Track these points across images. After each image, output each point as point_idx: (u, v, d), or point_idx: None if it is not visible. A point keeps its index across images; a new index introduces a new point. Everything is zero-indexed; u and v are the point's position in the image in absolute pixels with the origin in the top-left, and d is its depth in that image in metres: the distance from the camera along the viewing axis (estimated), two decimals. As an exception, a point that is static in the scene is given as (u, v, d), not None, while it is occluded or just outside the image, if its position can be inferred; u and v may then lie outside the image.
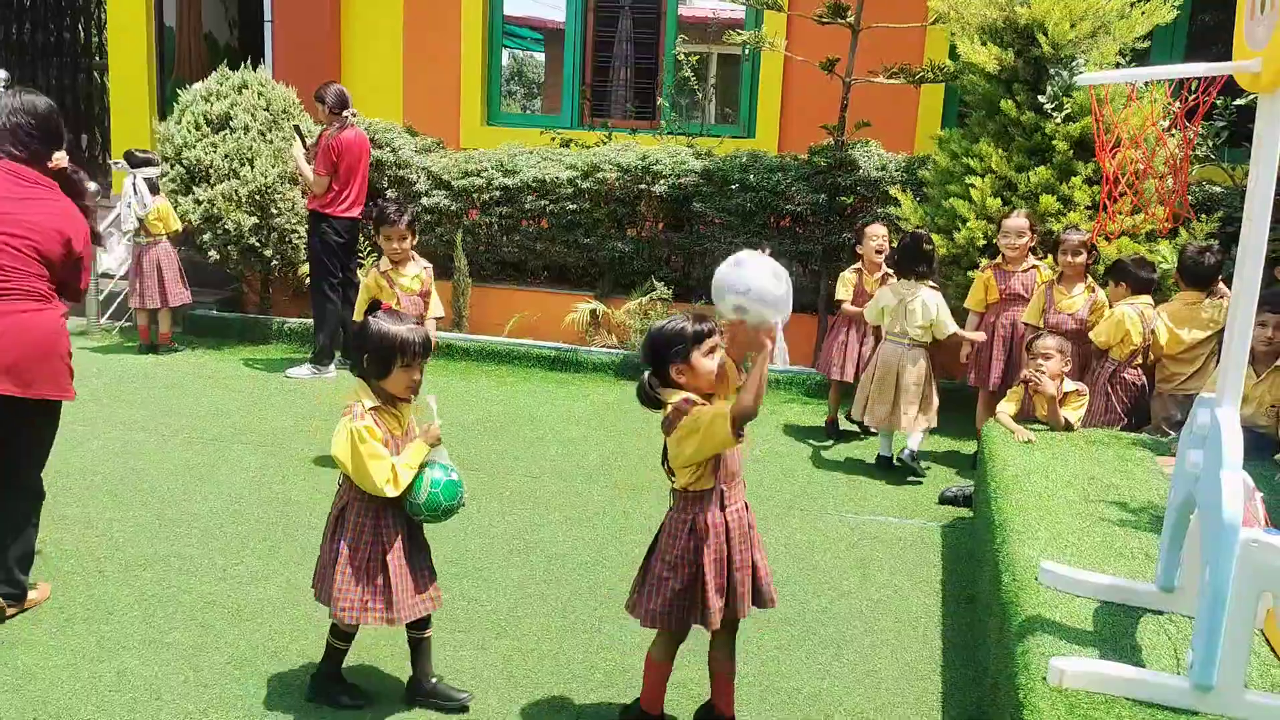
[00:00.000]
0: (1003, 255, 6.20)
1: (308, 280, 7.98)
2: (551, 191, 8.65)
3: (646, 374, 3.13)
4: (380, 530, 3.25)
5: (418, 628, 3.40)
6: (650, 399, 3.12)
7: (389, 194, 9.09)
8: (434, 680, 3.45)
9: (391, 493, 3.17)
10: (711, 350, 3.09)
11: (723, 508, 3.12)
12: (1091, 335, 5.69)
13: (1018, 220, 6.14)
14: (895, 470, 5.97)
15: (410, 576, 3.29)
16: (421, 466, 3.25)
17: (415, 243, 5.64)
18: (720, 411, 2.95)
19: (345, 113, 7.46)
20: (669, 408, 3.06)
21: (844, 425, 6.80)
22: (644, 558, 3.25)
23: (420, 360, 3.25)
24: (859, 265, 6.63)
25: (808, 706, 3.52)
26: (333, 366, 7.70)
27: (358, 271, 7.77)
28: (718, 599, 3.09)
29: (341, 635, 3.40)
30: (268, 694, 3.45)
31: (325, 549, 3.34)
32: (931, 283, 5.96)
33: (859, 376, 6.39)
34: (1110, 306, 5.74)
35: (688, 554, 3.09)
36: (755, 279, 2.92)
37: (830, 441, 6.62)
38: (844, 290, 6.62)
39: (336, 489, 3.35)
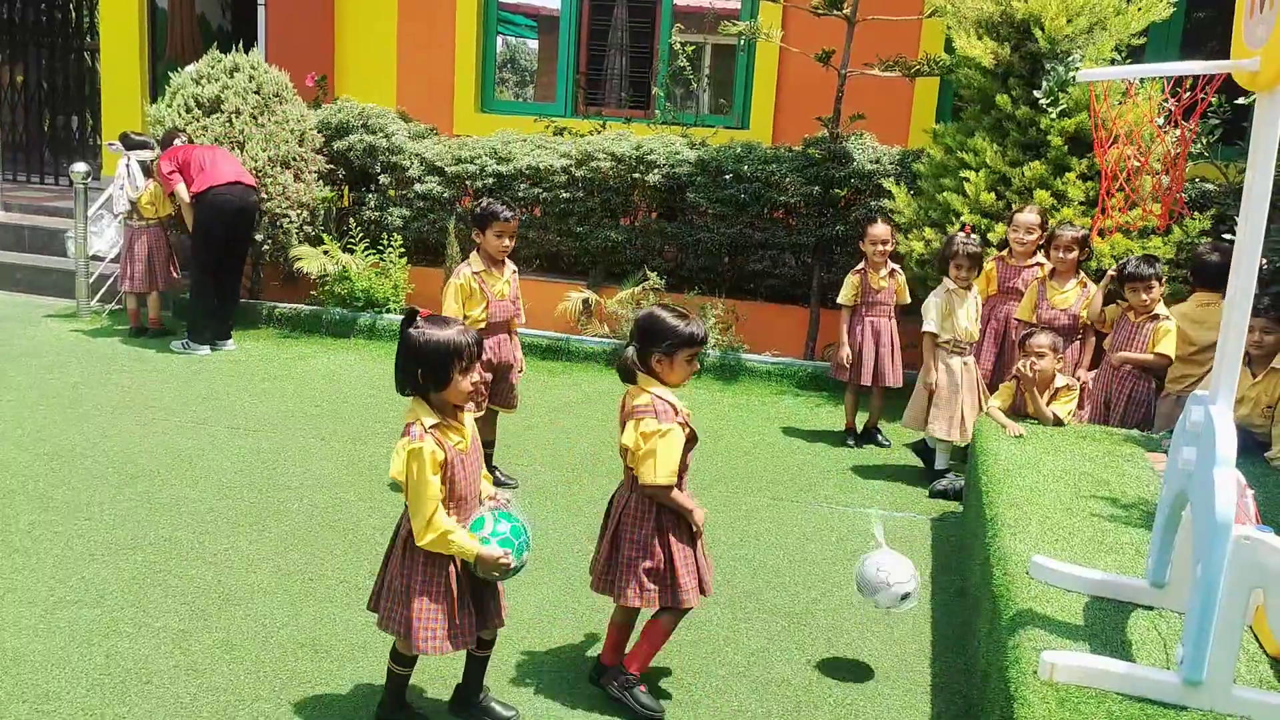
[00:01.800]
0: (1010, 249, 6.19)
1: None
2: (545, 179, 8.63)
3: (631, 350, 3.28)
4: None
5: (481, 645, 3.23)
6: (629, 375, 3.29)
7: (381, 179, 9.07)
8: (484, 695, 3.32)
9: (421, 541, 2.94)
10: (693, 358, 3.29)
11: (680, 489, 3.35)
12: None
13: (1029, 215, 6.10)
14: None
15: (481, 593, 3.14)
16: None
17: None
18: (670, 469, 3.22)
19: (175, 142, 7.91)
20: (639, 396, 3.26)
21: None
22: (601, 539, 3.42)
23: (478, 360, 3.04)
24: (861, 265, 6.40)
25: (799, 697, 3.53)
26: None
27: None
28: (690, 578, 3.33)
29: (406, 661, 3.20)
30: (258, 678, 3.45)
31: (395, 573, 3.09)
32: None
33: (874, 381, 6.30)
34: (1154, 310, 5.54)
35: (656, 535, 3.31)
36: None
37: (851, 444, 6.45)
38: (848, 292, 6.35)
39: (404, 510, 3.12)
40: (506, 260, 5.22)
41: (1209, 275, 5.56)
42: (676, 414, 3.28)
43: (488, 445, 5.41)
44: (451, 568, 3.04)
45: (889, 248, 6.30)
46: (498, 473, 5.37)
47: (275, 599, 4.00)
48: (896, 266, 6.42)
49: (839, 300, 6.46)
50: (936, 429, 5.71)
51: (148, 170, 8.11)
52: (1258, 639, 3.11)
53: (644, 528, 3.31)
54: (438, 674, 3.49)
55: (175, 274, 8.19)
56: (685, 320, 3.26)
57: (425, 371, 2.97)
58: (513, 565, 3.03)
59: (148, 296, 8.10)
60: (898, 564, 3.69)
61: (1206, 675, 2.67)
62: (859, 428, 6.54)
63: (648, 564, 3.29)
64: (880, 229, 6.31)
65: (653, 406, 3.24)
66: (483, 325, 5.06)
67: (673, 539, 3.32)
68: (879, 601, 3.69)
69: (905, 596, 3.68)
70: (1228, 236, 6.17)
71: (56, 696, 3.28)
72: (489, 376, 5.18)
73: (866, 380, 6.32)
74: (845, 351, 6.33)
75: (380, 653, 3.64)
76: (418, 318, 3.03)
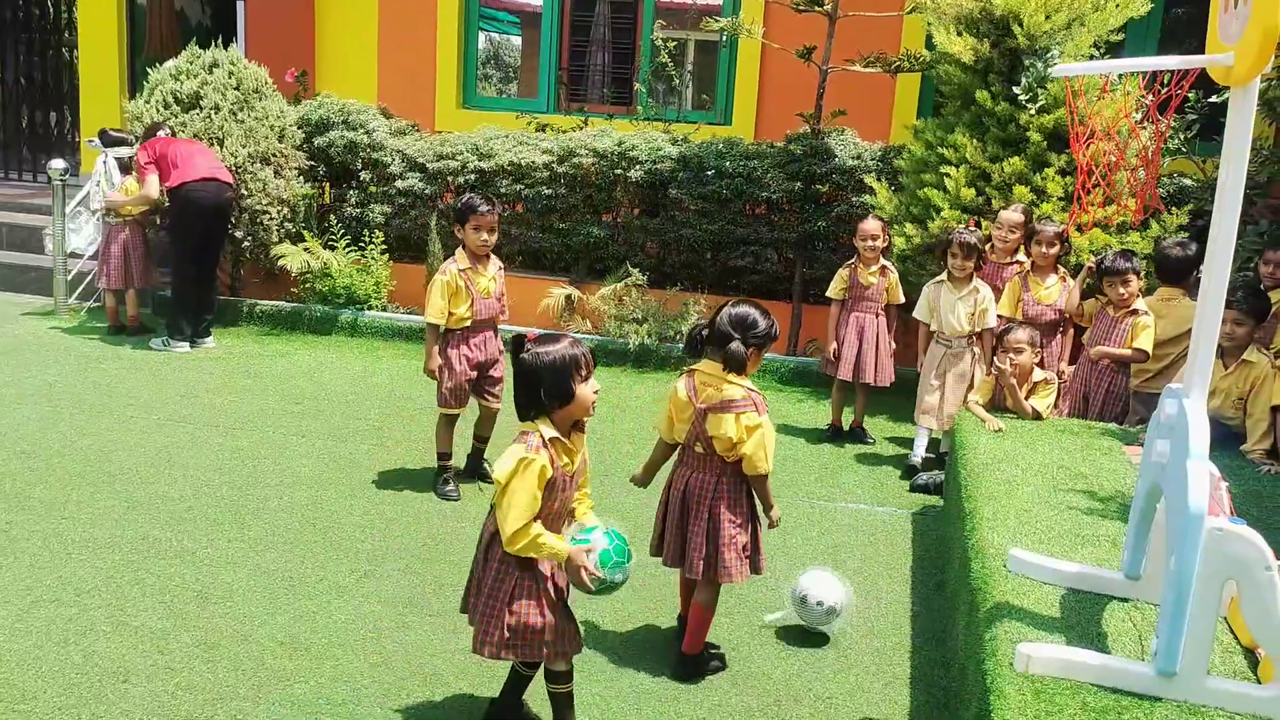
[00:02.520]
0: (992, 245, 6.21)
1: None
2: (527, 176, 8.62)
3: (737, 344, 3.44)
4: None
5: (530, 665, 3.23)
6: (738, 364, 3.45)
7: (363, 176, 9.03)
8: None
9: (513, 547, 2.91)
10: (759, 358, 3.59)
11: None
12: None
13: (1013, 214, 6.13)
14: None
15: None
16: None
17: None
18: (772, 459, 3.54)
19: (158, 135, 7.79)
20: (731, 390, 3.45)
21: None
22: (682, 526, 3.58)
23: (593, 367, 3.05)
24: (853, 260, 6.39)
25: (779, 691, 3.54)
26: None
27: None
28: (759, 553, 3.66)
29: (534, 664, 3.21)
30: (236, 676, 3.43)
31: (488, 580, 3.06)
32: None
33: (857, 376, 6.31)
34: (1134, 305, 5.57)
35: (751, 515, 3.61)
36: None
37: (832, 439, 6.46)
38: (836, 285, 6.36)
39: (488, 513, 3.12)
40: (491, 257, 5.21)
41: (1169, 270, 5.61)
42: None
43: (482, 441, 5.45)
44: (546, 580, 3.04)
45: (880, 244, 6.30)
46: (486, 465, 5.38)
47: (254, 597, 3.99)
48: (889, 264, 6.41)
49: (828, 293, 6.49)
50: (917, 415, 5.88)
51: (125, 167, 8.06)
52: (1232, 630, 3.13)
53: (741, 507, 3.57)
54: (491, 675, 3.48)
55: (153, 272, 8.14)
56: (768, 317, 3.53)
57: (547, 389, 2.97)
58: (604, 577, 3.02)
59: (126, 294, 8.05)
60: (829, 586, 3.92)
61: (1180, 666, 2.69)
62: (844, 425, 6.56)
63: (744, 539, 3.56)
64: (871, 224, 6.32)
65: (751, 400, 3.46)
66: (468, 323, 5.08)
67: (756, 519, 3.64)
68: (807, 617, 3.93)
69: (831, 611, 3.90)
70: (1185, 233, 6.23)
71: (33, 696, 3.26)
72: (498, 374, 5.29)
73: (847, 375, 6.32)
74: (832, 345, 6.36)
75: (361, 651, 3.63)
76: (527, 342, 3.02)
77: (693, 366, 3.59)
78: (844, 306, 6.39)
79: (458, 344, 5.12)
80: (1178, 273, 5.59)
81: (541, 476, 2.92)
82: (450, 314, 5.04)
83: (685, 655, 3.64)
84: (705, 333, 3.53)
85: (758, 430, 3.44)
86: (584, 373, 3.00)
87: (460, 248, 5.16)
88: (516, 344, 3.02)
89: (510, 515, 2.90)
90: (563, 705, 3.19)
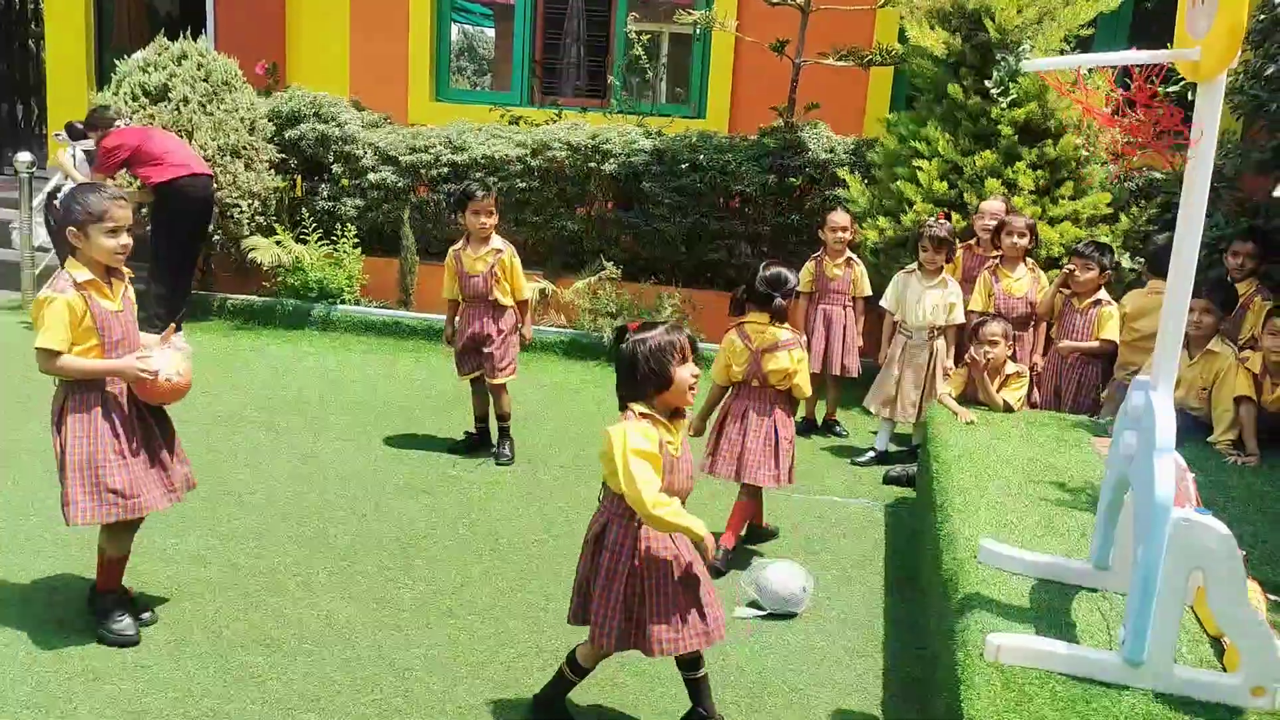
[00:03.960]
0: (976, 239, 6.25)
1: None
2: (500, 169, 8.59)
3: (779, 300, 4.34)
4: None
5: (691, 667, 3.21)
6: (781, 315, 4.38)
7: (335, 169, 8.97)
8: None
9: (652, 510, 2.89)
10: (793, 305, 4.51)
11: None
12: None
13: (993, 203, 6.18)
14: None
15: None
16: None
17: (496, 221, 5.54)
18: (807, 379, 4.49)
19: (116, 124, 7.53)
20: (782, 332, 4.38)
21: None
22: (741, 444, 4.39)
23: (693, 352, 3.07)
24: (819, 253, 6.46)
25: (751, 683, 3.56)
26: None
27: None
28: None
29: (581, 670, 3.23)
30: (208, 674, 3.41)
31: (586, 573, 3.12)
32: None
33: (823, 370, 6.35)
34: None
35: (793, 429, 4.53)
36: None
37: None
38: (803, 278, 6.32)
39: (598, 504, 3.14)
40: (493, 238, 5.51)
41: (1159, 263, 5.63)
42: None
43: (504, 419, 5.71)
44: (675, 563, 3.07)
45: (848, 236, 6.33)
46: (495, 448, 5.70)
47: (226, 594, 3.96)
48: (854, 256, 6.45)
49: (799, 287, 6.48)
50: (870, 403, 5.97)
51: (93, 160, 7.96)
52: (1198, 619, 3.17)
53: (788, 428, 4.46)
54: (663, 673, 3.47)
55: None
56: (793, 270, 4.46)
57: (643, 375, 2.98)
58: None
59: None
60: (789, 577, 4.07)
61: (1148, 655, 2.72)
62: (818, 419, 6.58)
63: (794, 451, 4.50)
64: (840, 216, 6.36)
65: (795, 339, 4.42)
66: (461, 299, 5.56)
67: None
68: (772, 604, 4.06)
69: (792, 598, 4.05)
70: (1154, 225, 6.29)
71: (2, 694, 3.23)
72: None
73: (816, 368, 6.33)
74: (802, 338, 6.37)
75: (333, 647, 3.62)
76: (628, 332, 3.04)
77: (740, 320, 4.44)
78: (811, 299, 6.42)
79: (455, 318, 5.63)
80: (1164, 265, 5.63)
81: (648, 438, 2.94)
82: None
83: (719, 545, 4.27)
84: (745, 294, 4.41)
85: (802, 362, 4.40)
86: (680, 356, 3.00)
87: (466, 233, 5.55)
88: (618, 334, 3.07)
89: (643, 485, 2.87)
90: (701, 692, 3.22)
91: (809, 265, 6.41)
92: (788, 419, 4.48)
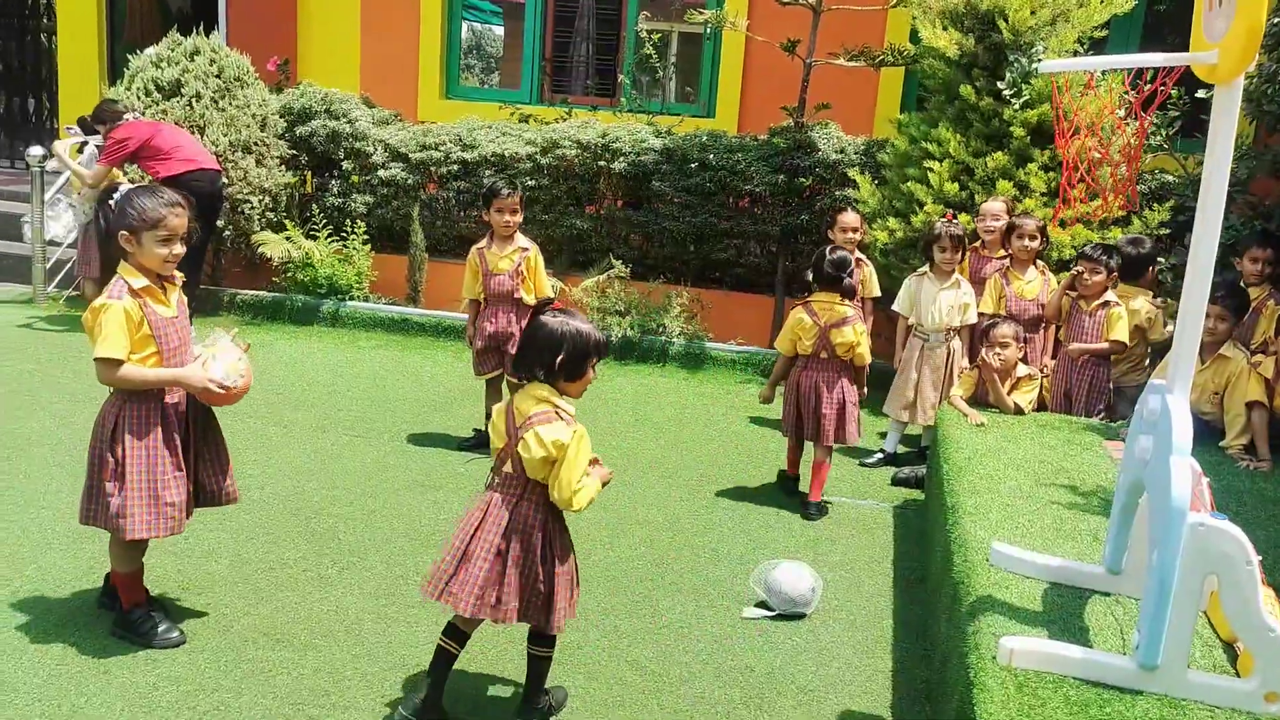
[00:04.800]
0: (981, 240, 6.24)
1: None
2: (510, 167, 8.59)
3: (848, 280, 5.01)
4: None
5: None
6: (851, 292, 5.05)
7: (345, 165, 8.98)
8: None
9: (579, 506, 3.00)
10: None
11: None
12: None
13: (995, 204, 6.17)
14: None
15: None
16: None
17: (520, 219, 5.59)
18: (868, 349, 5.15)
19: (125, 118, 7.51)
20: (848, 307, 5.02)
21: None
22: (815, 409, 5.05)
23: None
24: None
25: (761, 684, 3.55)
26: None
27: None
28: None
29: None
30: (218, 668, 3.41)
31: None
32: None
33: None
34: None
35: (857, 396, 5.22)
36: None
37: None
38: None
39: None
40: (517, 237, 5.53)
41: (1126, 267, 5.69)
42: None
43: None
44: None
45: (858, 236, 6.33)
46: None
47: (235, 588, 3.97)
48: (863, 257, 6.44)
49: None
50: (889, 409, 5.96)
51: None
52: (1212, 624, 3.16)
53: (853, 394, 5.10)
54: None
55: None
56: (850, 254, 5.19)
57: (567, 361, 3.03)
58: None
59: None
60: (798, 577, 4.08)
61: (1162, 660, 2.71)
62: None
63: (859, 413, 5.14)
64: (850, 217, 6.36)
65: (859, 314, 5.11)
66: (482, 297, 5.57)
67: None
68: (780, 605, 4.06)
69: (801, 600, 4.05)
70: (1167, 230, 6.30)
71: (13, 687, 3.24)
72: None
73: None
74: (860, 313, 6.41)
75: (343, 642, 3.62)
76: (553, 308, 3.11)
77: (807, 299, 5.06)
78: None
79: (477, 317, 5.62)
80: (1131, 269, 5.73)
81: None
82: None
83: (810, 501, 5.09)
84: (812, 277, 5.05)
85: (863, 334, 5.03)
86: (596, 360, 3.09)
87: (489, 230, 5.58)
88: (543, 304, 3.11)
89: (578, 482, 2.99)
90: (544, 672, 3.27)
91: None
92: (852, 385, 5.09)
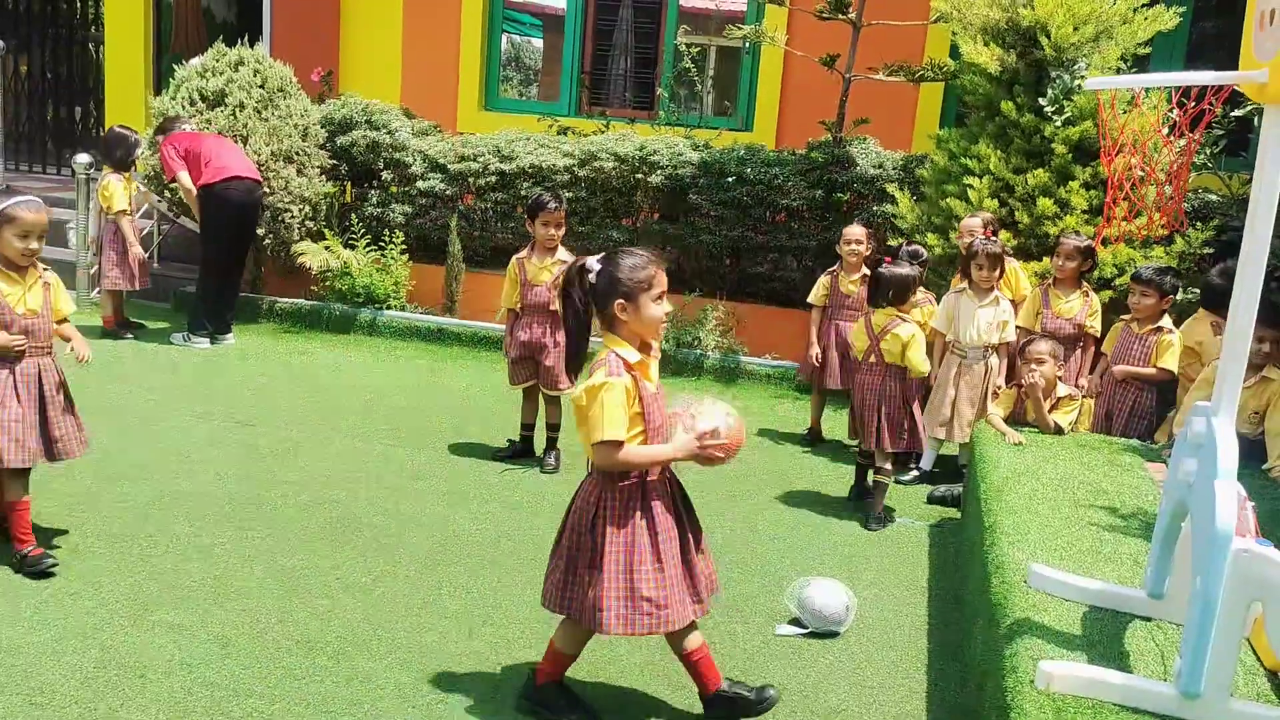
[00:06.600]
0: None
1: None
2: (548, 179, 8.62)
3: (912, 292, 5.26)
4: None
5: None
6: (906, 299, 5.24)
7: (384, 175, 9.05)
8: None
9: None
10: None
11: None
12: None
13: (971, 220, 6.10)
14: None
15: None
16: None
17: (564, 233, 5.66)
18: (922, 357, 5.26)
19: (181, 127, 7.81)
20: (896, 313, 5.19)
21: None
22: (877, 411, 5.15)
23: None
24: (835, 267, 6.43)
25: (794, 704, 3.52)
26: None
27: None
28: None
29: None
30: (252, 674, 3.43)
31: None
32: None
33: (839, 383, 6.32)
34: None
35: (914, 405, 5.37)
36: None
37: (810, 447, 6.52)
38: (817, 292, 6.40)
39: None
40: (559, 249, 5.58)
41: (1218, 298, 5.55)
42: None
43: (554, 429, 5.69)
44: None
45: (863, 249, 6.27)
46: (541, 457, 5.70)
47: (270, 595, 3.99)
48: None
49: (808, 299, 6.49)
50: (927, 427, 5.77)
51: (125, 164, 7.97)
52: (1255, 652, 3.10)
53: (911, 393, 5.22)
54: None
55: (121, 276, 7.84)
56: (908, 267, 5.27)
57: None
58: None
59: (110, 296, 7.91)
60: (832, 595, 4.04)
61: (1204, 688, 2.66)
62: (823, 430, 6.59)
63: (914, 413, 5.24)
64: (855, 230, 6.30)
65: (906, 318, 5.18)
66: (519, 307, 5.59)
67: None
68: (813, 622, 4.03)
69: (835, 618, 4.01)
70: (1211, 249, 6.19)
71: (50, 689, 3.27)
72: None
73: (832, 384, 6.35)
74: (815, 351, 6.37)
75: (377, 651, 3.63)
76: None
77: (868, 311, 5.29)
78: (825, 314, 6.40)
79: (513, 327, 5.62)
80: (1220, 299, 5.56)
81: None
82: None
83: (871, 514, 5.20)
84: (874, 291, 5.19)
85: (913, 337, 5.10)
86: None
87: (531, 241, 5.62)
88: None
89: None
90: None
91: (824, 280, 6.40)
92: (908, 389, 5.19)
